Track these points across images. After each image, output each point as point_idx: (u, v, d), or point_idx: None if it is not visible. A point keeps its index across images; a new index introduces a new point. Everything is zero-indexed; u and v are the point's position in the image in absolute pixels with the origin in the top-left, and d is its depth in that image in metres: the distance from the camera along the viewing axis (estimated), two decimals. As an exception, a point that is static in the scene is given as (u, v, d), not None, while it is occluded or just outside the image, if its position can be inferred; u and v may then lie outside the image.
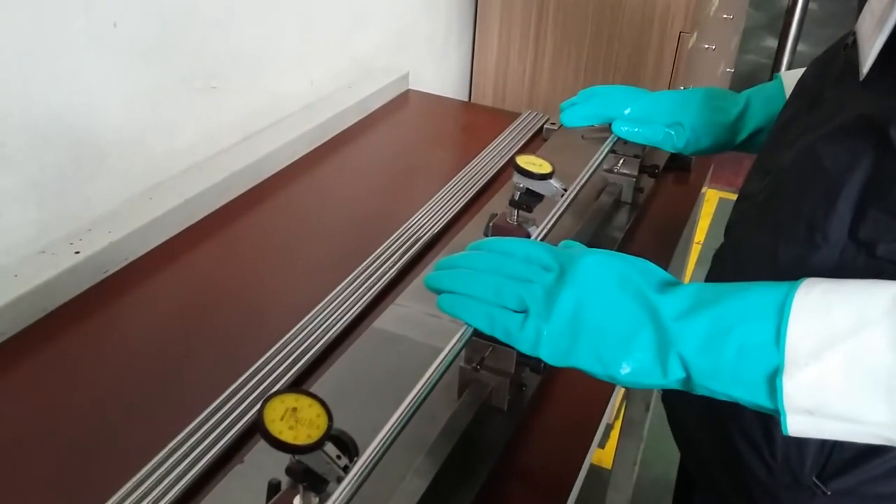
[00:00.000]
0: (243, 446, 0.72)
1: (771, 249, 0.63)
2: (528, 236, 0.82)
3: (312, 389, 0.59)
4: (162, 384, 0.79)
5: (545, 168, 0.84)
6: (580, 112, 1.00)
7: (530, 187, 0.84)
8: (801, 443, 0.63)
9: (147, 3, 1.00)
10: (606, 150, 0.96)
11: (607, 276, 0.56)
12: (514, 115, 1.42)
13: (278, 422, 0.49)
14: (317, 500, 0.51)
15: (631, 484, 1.67)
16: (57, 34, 0.90)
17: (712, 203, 3.02)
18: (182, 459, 0.69)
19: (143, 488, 0.66)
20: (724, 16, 2.17)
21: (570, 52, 1.88)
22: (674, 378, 0.53)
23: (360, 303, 0.90)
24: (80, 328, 0.87)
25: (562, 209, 0.82)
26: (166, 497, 0.66)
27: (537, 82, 1.95)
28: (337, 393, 0.74)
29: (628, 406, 1.59)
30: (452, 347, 0.60)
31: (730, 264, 0.74)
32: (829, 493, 0.63)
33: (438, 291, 0.60)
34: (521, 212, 0.85)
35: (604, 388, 0.81)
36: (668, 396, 0.84)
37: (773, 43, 3.79)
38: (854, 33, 0.64)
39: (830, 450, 0.62)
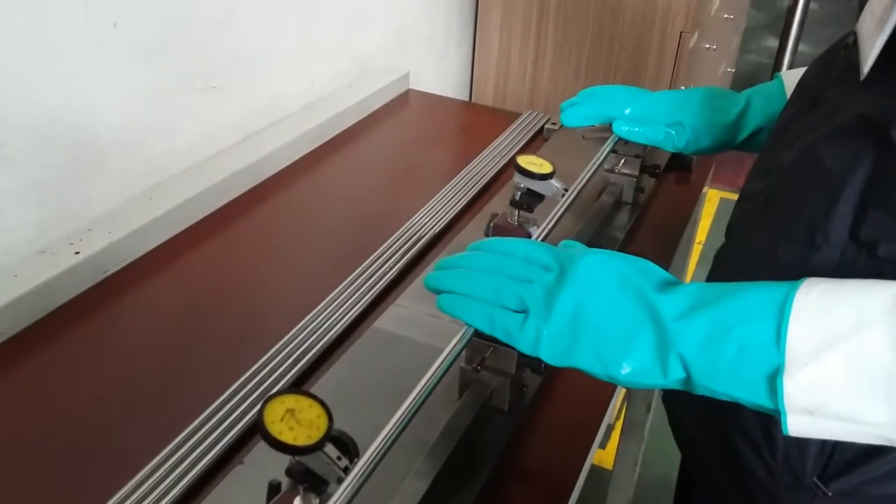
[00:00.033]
0: (243, 447, 0.72)
1: (771, 250, 0.63)
2: (529, 236, 0.82)
3: (312, 390, 0.59)
4: (162, 384, 0.79)
5: (546, 168, 0.84)
6: (580, 112, 1.00)
7: (531, 187, 0.84)
8: (801, 443, 0.63)
9: (147, 3, 1.00)
10: (607, 150, 0.96)
11: (607, 275, 0.56)
12: (514, 115, 1.42)
13: (278, 423, 0.49)
14: (317, 501, 0.51)
15: (632, 484, 1.67)
16: (57, 34, 0.89)
17: (713, 203, 3.02)
18: (182, 460, 0.69)
19: (143, 489, 0.66)
20: (725, 16, 2.17)
21: (571, 51, 1.88)
22: (674, 378, 0.53)
23: (360, 303, 0.89)
24: (80, 328, 0.86)
25: (563, 209, 0.82)
26: (166, 498, 0.66)
27: (538, 82, 1.94)
28: (337, 393, 0.74)
29: (629, 406, 1.59)
30: (453, 348, 0.60)
31: (731, 265, 0.74)
32: (829, 493, 0.63)
33: (438, 291, 0.60)
34: (521, 212, 0.85)
35: (605, 389, 0.81)
36: (669, 397, 0.84)
37: (774, 43, 3.79)
38: (855, 33, 0.64)
39: (831, 450, 0.62)
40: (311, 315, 0.87)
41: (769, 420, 0.64)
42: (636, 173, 1.09)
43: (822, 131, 0.62)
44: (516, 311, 0.57)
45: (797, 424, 0.50)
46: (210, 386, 0.76)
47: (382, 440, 0.52)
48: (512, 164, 0.85)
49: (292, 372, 0.79)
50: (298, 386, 0.78)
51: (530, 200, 0.85)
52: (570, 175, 0.87)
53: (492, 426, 0.73)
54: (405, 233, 1.03)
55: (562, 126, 1.02)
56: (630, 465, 1.64)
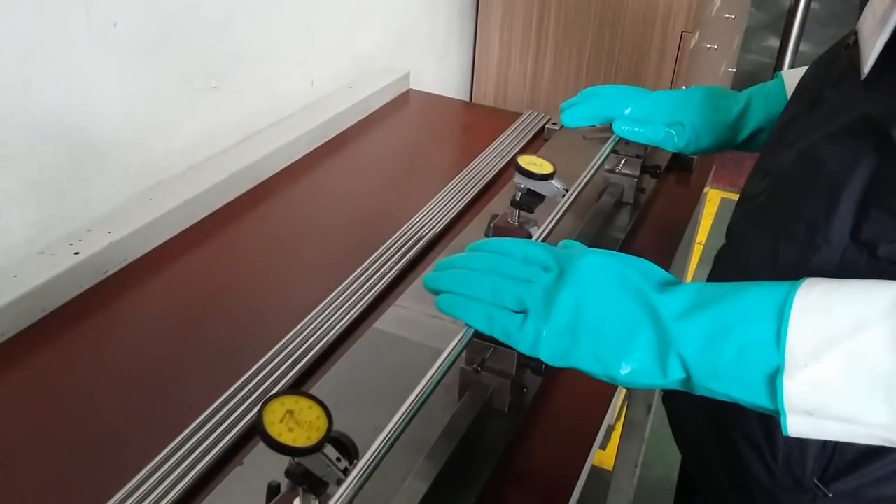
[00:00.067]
0: (243, 448, 0.72)
1: (772, 250, 0.63)
2: (530, 237, 0.82)
3: (312, 391, 0.59)
4: (161, 385, 0.79)
5: (546, 168, 0.84)
6: (580, 112, 1.00)
7: (531, 188, 0.84)
8: (802, 444, 0.63)
9: (147, 2, 0.99)
10: (608, 150, 0.96)
11: (607, 276, 0.56)
12: (515, 115, 1.42)
13: (278, 424, 0.49)
14: (316, 502, 0.51)
15: (632, 485, 1.66)
16: (57, 34, 0.89)
17: (714, 203, 3.02)
18: (181, 461, 0.69)
19: (142, 490, 0.66)
20: (726, 15, 2.17)
21: (572, 51, 1.88)
22: (673, 378, 0.53)
23: (360, 304, 0.89)
24: (79, 329, 0.86)
25: (563, 210, 0.82)
26: (166, 498, 0.65)
27: (538, 82, 1.94)
28: (337, 394, 0.74)
29: (630, 407, 1.59)
30: (453, 349, 0.60)
31: (731, 265, 0.74)
32: (830, 495, 0.63)
33: (437, 292, 0.60)
34: (522, 212, 0.84)
35: (605, 390, 0.81)
36: (670, 398, 0.83)
37: (775, 42, 3.79)
38: (856, 33, 0.63)
39: (832, 452, 0.62)
40: (310, 315, 0.87)
41: (770, 421, 0.64)
42: (637, 173, 1.09)
43: (823, 132, 0.62)
44: (516, 312, 0.57)
45: (797, 425, 0.50)
46: (209, 386, 0.76)
47: (382, 441, 0.52)
48: (512, 165, 0.85)
49: (292, 373, 0.79)
50: (298, 387, 0.78)
51: (531, 201, 0.84)
52: (570, 175, 0.87)
53: (492, 427, 0.73)
54: (405, 233, 1.03)
55: (562, 126, 1.01)
56: (630, 466, 1.64)
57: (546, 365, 0.57)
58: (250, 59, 1.21)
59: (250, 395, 0.76)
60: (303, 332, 0.84)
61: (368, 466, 0.51)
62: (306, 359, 0.81)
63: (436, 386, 0.58)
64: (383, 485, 0.61)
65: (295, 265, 0.99)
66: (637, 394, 1.55)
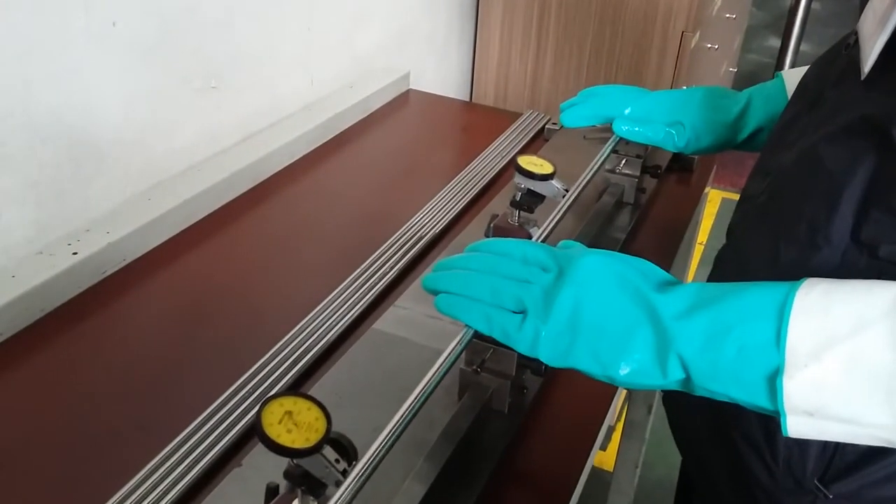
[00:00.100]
0: (242, 449, 0.71)
1: (772, 251, 0.63)
2: (530, 237, 0.82)
3: (311, 392, 0.59)
4: (160, 386, 0.79)
5: (546, 168, 0.83)
6: (580, 112, 1.00)
7: (531, 188, 0.84)
8: (802, 445, 0.63)
9: (147, 2, 0.99)
10: (608, 150, 0.96)
11: (606, 276, 0.56)
12: (515, 115, 1.42)
13: (276, 425, 0.48)
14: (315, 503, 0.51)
15: (633, 486, 1.66)
16: (56, 34, 0.89)
17: (715, 203, 3.02)
18: (180, 462, 0.68)
19: (141, 490, 0.66)
20: (727, 15, 2.17)
21: (572, 51, 1.87)
22: (673, 379, 0.52)
23: (359, 304, 0.89)
24: (78, 329, 0.86)
25: (563, 210, 0.82)
26: (165, 499, 0.65)
27: (539, 82, 1.94)
28: (336, 395, 0.74)
29: (630, 408, 1.59)
30: (453, 349, 0.60)
31: (732, 266, 0.74)
32: (830, 496, 0.63)
33: (436, 292, 0.60)
34: (522, 212, 0.84)
35: (605, 390, 0.81)
36: (670, 398, 0.83)
37: (776, 42, 3.79)
38: (856, 33, 0.63)
39: (832, 453, 0.62)
40: (310, 316, 0.87)
41: (770, 422, 0.63)
42: (637, 174, 1.08)
43: (823, 131, 0.62)
44: (515, 312, 0.56)
45: (797, 426, 0.50)
46: (208, 387, 0.76)
47: (381, 442, 0.52)
48: (512, 165, 0.85)
49: (291, 373, 0.79)
50: (298, 387, 0.78)
51: (531, 201, 0.84)
52: (570, 175, 0.87)
53: (492, 428, 0.72)
54: (405, 233, 1.03)
55: (562, 126, 1.01)
56: (631, 467, 1.64)
57: (546, 366, 0.57)
58: (250, 59, 1.21)
59: (249, 396, 0.76)
60: (302, 332, 0.84)
61: (367, 467, 0.51)
62: (306, 359, 0.81)
63: (435, 387, 0.58)
64: (383, 486, 0.61)
65: (295, 265, 0.99)
66: (637, 394, 1.55)
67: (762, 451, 0.66)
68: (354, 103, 1.37)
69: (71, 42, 0.91)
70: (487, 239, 0.64)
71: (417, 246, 1.00)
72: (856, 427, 0.49)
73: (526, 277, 0.57)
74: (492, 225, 0.85)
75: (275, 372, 0.79)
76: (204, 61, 1.12)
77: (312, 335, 0.84)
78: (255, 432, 0.49)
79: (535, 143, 1.33)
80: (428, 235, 1.03)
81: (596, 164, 0.93)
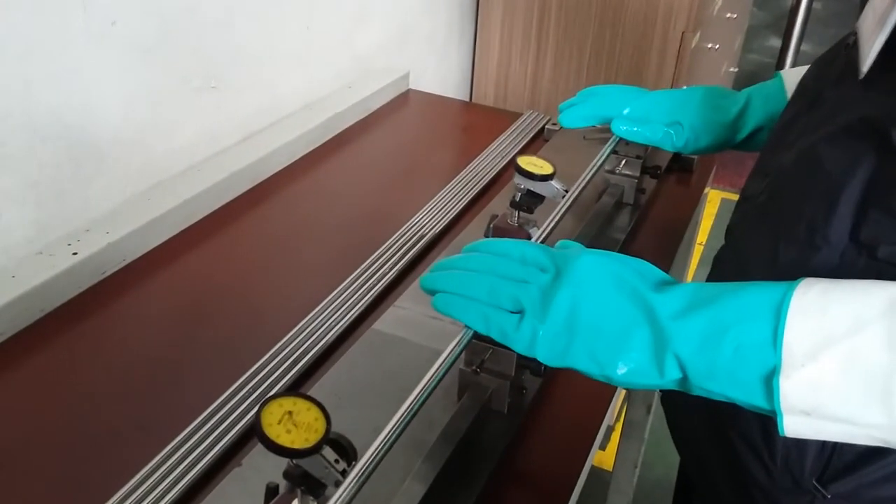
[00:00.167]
0: (241, 449, 0.72)
1: (772, 251, 0.63)
2: (529, 238, 0.82)
3: (311, 392, 0.59)
4: (160, 385, 0.79)
5: (546, 169, 0.83)
6: (579, 113, 1.00)
7: (531, 188, 0.84)
8: (801, 445, 0.63)
9: (146, 2, 0.99)
10: (608, 150, 0.96)
11: (603, 276, 0.56)
12: (515, 116, 1.42)
13: (276, 425, 0.48)
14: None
15: (632, 486, 1.66)
16: (56, 33, 0.89)
17: (715, 204, 3.02)
18: (180, 462, 0.68)
19: (140, 490, 0.66)
20: (728, 15, 2.17)
21: (572, 51, 1.87)
22: (670, 378, 0.53)
23: (359, 304, 0.89)
24: (77, 329, 0.86)
25: (563, 210, 0.82)
26: (164, 499, 0.65)
27: (539, 82, 1.94)
28: (335, 396, 0.74)
29: (629, 408, 1.59)
30: (452, 350, 0.60)
31: (731, 266, 0.74)
32: (829, 496, 0.63)
33: (434, 292, 0.60)
34: (521, 213, 0.84)
35: (605, 390, 0.81)
36: (668, 398, 0.83)
37: (776, 42, 3.79)
38: (856, 32, 0.63)
39: (830, 453, 0.62)
40: (310, 316, 0.87)
41: (768, 422, 0.63)
42: (637, 174, 1.08)
43: (823, 132, 0.62)
44: (512, 312, 0.57)
45: (793, 425, 0.50)
46: (208, 387, 0.76)
47: (381, 442, 0.52)
48: (512, 165, 0.85)
49: (291, 373, 0.79)
50: (297, 387, 0.78)
51: (531, 201, 0.84)
52: (570, 176, 0.87)
53: (491, 428, 0.72)
54: (405, 233, 1.03)
55: (562, 127, 1.01)
56: (630, 467, 1.64)
57: (545, 366, 0.57)
58: (250, 59, 1.21)
59: (249, 396, 0.76)
60: (302, 332, 0.84)
61: (367, 468, 0.51)
62: (305, 359, 0.81)
63: (435, 387, 0.58)
64: (382, 486, 0.61)
65: (294, 265, 0.99)
66: (637, 394, 1.55)
67: (760, 450, 0.66)
68: (354, 103, 1.37)
69: (71, 42, 0.91)
70: (485, 239, 0.64)
71: (417, 246, 1.00)
72: (852, 427, 0.49)
73: (524, 277, 0.57)
74: (491, 225, 0.85)
75: (274, 372, 0.79)
76: (204, 61, 1.12)
77: (312, 335, 0.84)
78: (254, 432, 0.49)
79: (534, 144, 1.33)
80: (428, 235, 1.03)
81: (596, 164, 0.93)
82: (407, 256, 0.98)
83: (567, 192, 0.84)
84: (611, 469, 1.73)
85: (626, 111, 0.98)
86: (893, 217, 0.55)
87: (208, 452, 0.70)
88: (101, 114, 0.98)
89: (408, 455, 0.66)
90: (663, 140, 0.96)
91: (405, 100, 1.51)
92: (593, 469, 1.61)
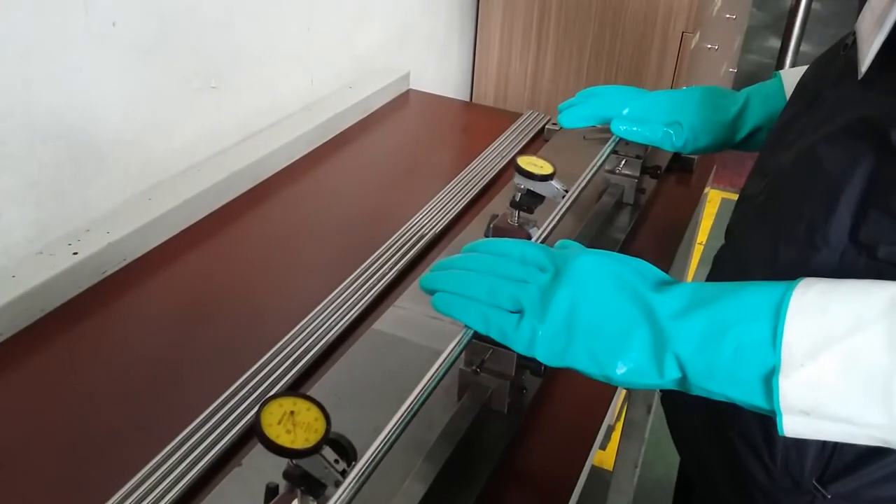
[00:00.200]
0: (241, 449, 0.72)
1: (771, 251, 0.63)
2: (529, 237, 0.82)
3: (311, 392, 0.59)
4: (160, 385, 0.79)
5: (546, 169, 0.83)
6: (578, 113, 1.00)
7: (531, 188, 0.84)
8: (800, 446, 0.63)
9: (147, 2, 0.99)
10: (608, 150, 0.96)
11: (603, 275, 0.56)
12: (515, 116, 1.42)
13: (276, 426, 0.48)
14: (314, 504, 0.51)
15: (632, 485, 1.66)
16: (57, 34, 0.89)
17: (715, 204, 3.02)
18: (180, 462, 0.68)
19: (140, 490, 0.66)
20: (727, 16, 2.17)
21: (573, 51, 1.87)
22: (670, 378, 0.53)
23: (359, 304, 0.89)
24: (77, 329, 0.86)
25: (563, 210, 0.82)
26: (164, 499, 0.65)
27: (539, 82, 1.94)
28: (335, 396, 0.74)
29: (630, 407, 1.59)
30: (452, 350, 0.60)
31: (731, 266, 0.74)
32: (829, 496, 0.63)
33: (433, 292, 0.60)
34: (522, 213, 0.84)
35: (605, 390, 0.81)
36: (668, 398, 0.83)
37: (776, 43, 3.79)
38: (854, 33, 0.63)
39: (830, 453, 0.62)
40: (310, 316, 0.87)
41: (768, 422, 0.63)
42: (637, 174, 1.08)
43: (822, 132, 0.62)
44: (512, 312, 0.57)
45: (793, 425, 0.50)
46: (208, 386, 0.76)
47: (381, 442, 0.52)
48: (512, 165, 0.85)
49: (291, 373, 0.79)
50: (297, 387, 0.78)
51: (531, 201, 0.84)
52: (570, 176, 0.87)
53: (491, 428, 0.72)
54: (405, 233, 1.03)
55: (562, 127, 1.01)
56: (630, 467, 1.64)
57: (545, 366, 0.57)
58: (250, 59, 1.21)
59: (249, 396, 0.76)
60: (302, 332, 0.84)
61: (367, 468, 0.51)
62: (305, 359, 0.81)
63: (435, 387, 0.58)
64: (382, 486, 0.61)
65: (295, 265, 0.99)
66: (637, 394, 1.55)
67: (760, 450, 0.66)
68: (354, 103, 1.37)
69: (71, 42, 0.91)
70: (485, 239, 0.64)
71: (417, 246, 1.00)
72: (852, 427, 0.49)
73: (523, 277, 0.57)
74: (491, 225, 0.85)
75: (274, 372, 0.79)
76: (204, 61, 1.12)
77: (312, 335, 0.84)
78: (254, 432, 0.49)
79: (534, 144, 1.33)
80: (428, 235, 1.03)
81: (596, 164, 0.93)
82: (407, 256, 0.98)
83: (567, 192, 0.84)
84: (611, 469, 1.73)
85: (625, 111, 0.98)
86: (893, 217, 0.55)
87: (208, 452, 0.70)
88: (101, 114, 0.98)
89: (408, 455, 0.66)
90: (663, 140, 0.96)
91: (405, 100, 1.51)
92: (593, 469, 1.60)
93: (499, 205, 1.05)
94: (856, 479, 0.62)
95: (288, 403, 0.50)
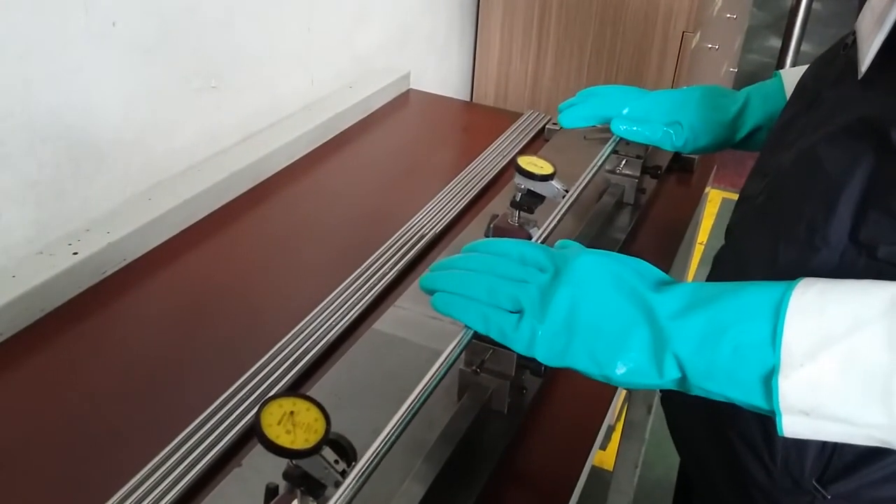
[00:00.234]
0: (241, 449, 0.72)
1: (771, 251, 0.63)
2: (530, 238, 0.82)
3: (311, 393, 0.59)
4: (160, 385, 0.79)
5: (546, 169, 0.83)
6: (578, 113, 1.00)
7: (531, 188, 0.84)
8: (800, 446, 0.63)
9: (147, 2, 0.99)
10: (608, 150, 0.96)
11: (602, 275, 0.56)
12: (515, 115, 1.42)
13: (275, 426, 0.48)
14: (314, 504, 0.51)
15: (632, 486, 1.66)
16: (57, 34, 0.89)
17: (715, 203, 3.02)
18: (180, 462, 0.68)
19: (140, 491, 0.66)
20: (728, 15, 2.17)
21: (573, 51, 1.87)
22: (669, 378, 0.53)
23: (359, 304, 0.89)
24: (77, 329, 0.86)
25: (563, 210, 0.82)
26: (164, 499, 0.65)
27: (539, 82, 1.94)
28: (335, 396, 0.74)
29: (630, 407, 1.59)
30: (452, 350, 0.60)
31: (731, 266, 0.74)
32: (829, 497, 0.63)
33: (433, 292, 0.60)
34: (522, 213, 0.84)
35: (605, 390, 0.81)
36: (668, 398, 0.83)
37: (776, 42, 3.79)
38: (854, 32, 0.63)
39: (830, 453, 0.62)
40: (310, 316, 0.87)
41: (768, 423, 0.63)
42: (637, 174, 1.08)
43: (822, 132, 0.62)
44: (512, 312, 0.57)
45: (792, 425, 0.50)
46: (208, 387, 0.76)
47: (381, 443, 0.52)
48: (512, 165, 0.85)
49: (291, 373, 0.79)
50: (297, 388, 0.78)
51: (531, 201, 0.84)
52: (571, 176, 0.87)
53: (491, 428, 0.72)
54: (405, 233, 1.03)
55: (562, 127, 1.01)
56: (631, 467, 1.64)
57: (545, 366, 0.57)
58: (250, 59, 1.21)
59: (249, 396, 0.76)
60: (302, 332, 0.84)
61: (367, 468, 0.51)
62: (305, 359, 0.81)
63: (435, 387, 0.58)
64: (382, 486, 0.61)
65: (295, 265, 0.99)
66: (637, 394, 1.55)
67: (760, 451, 0.66)
68: (354, 103, 1.37)
69: (71, 42, 0.91)
70: (485, 239, 0.64)
71: (417, 246, 1.00)
72: (851, 427, 0.49)
73: (523, 277, 0.57)
74: (492, 225, 0.85)
75: (274, 372, 0.79)
76: (204, 61, 1.12)
77: (312, 335, 0.84)
78: (254, 433, 0.49)
79: (535, 144, 1.33)
80: (428, 235, 1.03)
81: (596, 164, 0.93)
82: (407, 256, 0.98)
83: (567, 192, 0.84)
84: (611, 469, 1.73)
85: (625, 111, 0.98)
86: (893, 217, 0.55)
87: (208, 453, 0.70)
88: (101, 114, 0.98)
89: (408, 455, 0.66)
90: (663, 139, 0.96)
91: (405, 100, 1.51)
92: (594, 469, 1.60)
93: (499, 205, 1.05)
94: (856, 480, 0.62)
95: (288, 404, 0.50)
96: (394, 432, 0.53)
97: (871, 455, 0.60)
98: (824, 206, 0.58)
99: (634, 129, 0.96)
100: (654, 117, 0.96)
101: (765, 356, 0.50)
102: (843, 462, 0.62)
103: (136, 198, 1.03)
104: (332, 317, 0.87)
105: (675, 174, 1.24)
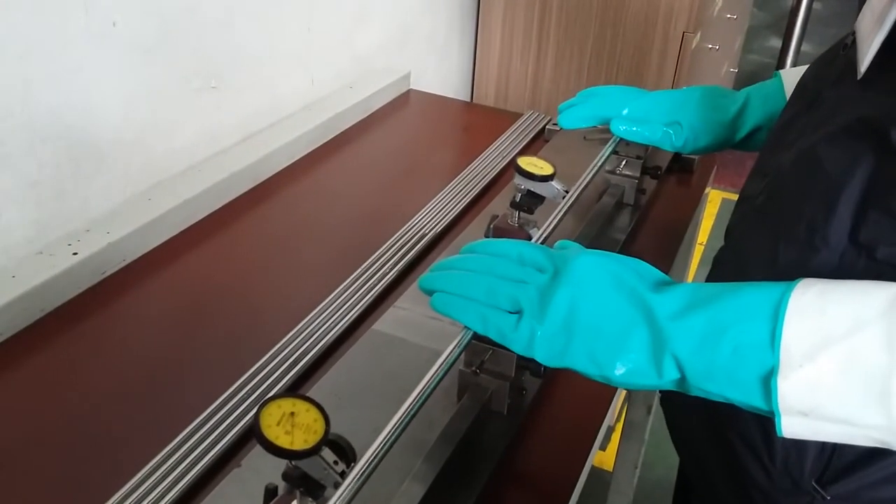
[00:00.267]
0: (241, 450, 0.72)
1: (771, 252, 0.63)
2: (529, 238, 0.82)
3: (310, 393, 0.59)
4: (160, 386, 0.79)
5: (546, 169, 0.83)
6: (578, 113, 1.00)
7: (531, 189, 0.84)
8: (800, 447, 0.63)
9: (147, 2, 0.99)
10: (608, 151, 0.96)
11: (601, 276, 0.56)
12: (515, 116, 1.42)
13: (275, 427, 0.48)
14: (313, 505, 0.51)
15: (632, 486, 1.66)
16: (56, 33, 0.89)
17: (715, 204, 3.02)
18: (179, 462, 0.68)
19: (140, 491, 0.66)
20: (728, 16, 2.17)
21: (573, 52, 1.87)
22: (668, 379, 0.53)
23: (359, 305, 0.89)
24: (77, 329, 0.86)
25: (563, 211, 0.82)
26: (164, 500, 0.65)
27: (540, 82, 1.94)
28: (335, 397, 0.74)
29: (630, 408, 1.59)
30: (452, 351, 0.60)
31: (730, 266, 0.74)
32: (828, 497, 0.63)
33: (432, 292, 0.60)
34: (522, 213, 0.84)
35: (605, 391, 0.81)
36: (667, 398, 0.83)
37: (777, 43, 3.79)
38: (854, 32, 0.63)
39: (830, 454, 0.62)
40: (309, 317, 0.87)
41: (768, 423, 0.63)
42: (637, 174, 1.08)
43: (822, 132, 0.62)
44: (511, 312, 0.57)
45: (791, 426, 0.50)
46: (208, 388, 0.76)
47: (380, 443, 0.52)
48: (512, 166, 0.85)
49: (290, 374, 0.79)
50: (297, 388, 0.78)
51: (531, 202, 0.84)
52: (570, 176, 0.87)
53: (491, 429, 0.72)
54: (405, 234, 1.03)
55: (562, 127, 1.01)
56: (630, 467, 1.64)
57: (545, 367, 0.57)
58: (250, 59, 1.21)
59: (249, 397, 0.76)
60: (302, 332, 0.84)
61: (366, 469, 0.51)
62: (305, 360, 0.81)
63: (434, 388, 0.58)
64: (381, 487, 0.61)
65: (295, 265, 0.99)
66: (637, 395, 1.55)
67: (759, 451, 0.66)
68: (355, 103, 1.37)
69: (71, 42, 0.91)
70: (484, 239, 0.64)
71: (417, 246, 1.00)
72: (850, 428, 0.49)
73: (522, 278, 0.57)
74: (492, 226, 0.85)
75: (274, 373, 0.79)
76: (204, 61, 1.12)
77: (312, 336, 0.84)
78: (253, 434, 0.49)
79: (535, 144, 1.33)
80: (428, 236, 1.03)
81: (596, 165, 0.93)
82: (407, 256, 0.98)
83: (567, 192, 0.84)
84: (611, 469, 1.73)
85: (625, 111, 0.98)
86: (893, 217, 0.55)
87: (208, 453, 0.70)
88: (101, 114, 0.98)
89: (408, 455, 0.66)
90: (662, 140, 0.96)
91: (406, 100, 1.51)
92: (593, 469, 1.60)
93: (499, 205, 1.05)
94: (855, 481, 0.62)
95: (287, 404, 0.50)
96: (393, 433, 0.53)
97: (871, 456, 0.60)
98: (824, 206, 0.58)
99: (634, 129, 0.96)
100: (653, 118, 0.96)
101: (764, 357, 0.50)
102: (842, 463, 0.62)
103: (136, 198, 1.03)
104: (331, 317, 0.87)
105: (675, 174, 1.24)
